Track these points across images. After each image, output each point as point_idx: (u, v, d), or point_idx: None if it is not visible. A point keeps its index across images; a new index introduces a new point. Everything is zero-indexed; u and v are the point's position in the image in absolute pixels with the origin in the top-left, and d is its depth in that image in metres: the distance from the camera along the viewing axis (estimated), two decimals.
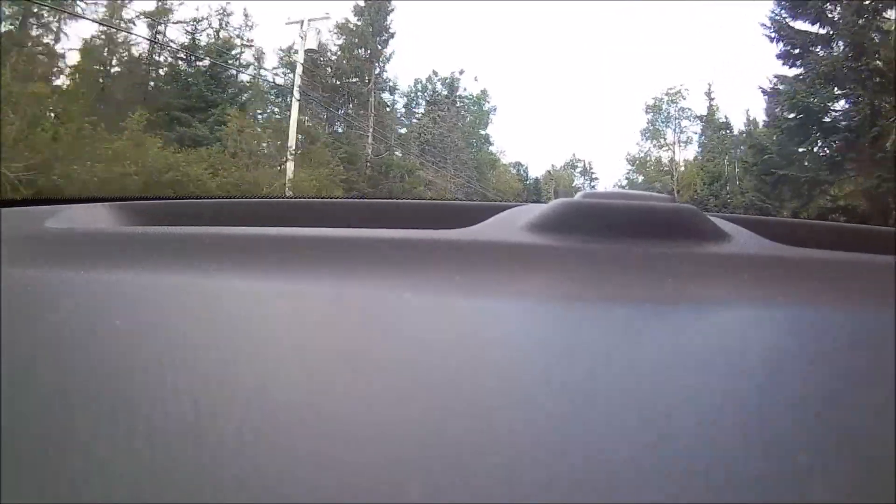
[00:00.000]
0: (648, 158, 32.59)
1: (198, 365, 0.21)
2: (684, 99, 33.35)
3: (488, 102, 27.03)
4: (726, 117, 30.59)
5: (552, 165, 37.11)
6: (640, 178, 33.79)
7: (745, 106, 33.27)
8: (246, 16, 16.40)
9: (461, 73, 25.40)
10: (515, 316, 0.29)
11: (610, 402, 0.19)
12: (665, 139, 31.02)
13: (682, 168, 31.16)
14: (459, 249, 0.35)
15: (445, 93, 24.38)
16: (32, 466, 0.15)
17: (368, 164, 15.89)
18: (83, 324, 0.26)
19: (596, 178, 36.64)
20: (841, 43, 11.27)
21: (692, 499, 0.14)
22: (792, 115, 11.82)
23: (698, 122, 31.43)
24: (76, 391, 0.19)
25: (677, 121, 32.56)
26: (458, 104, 25.02)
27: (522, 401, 0.19)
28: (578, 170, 36.93)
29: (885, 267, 0.37)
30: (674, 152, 31.54)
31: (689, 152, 31.85)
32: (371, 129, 16.42)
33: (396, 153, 18.28)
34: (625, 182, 34.84)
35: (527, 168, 35.09)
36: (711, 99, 32.34)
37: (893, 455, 0.16)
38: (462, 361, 0.22)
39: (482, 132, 27.15)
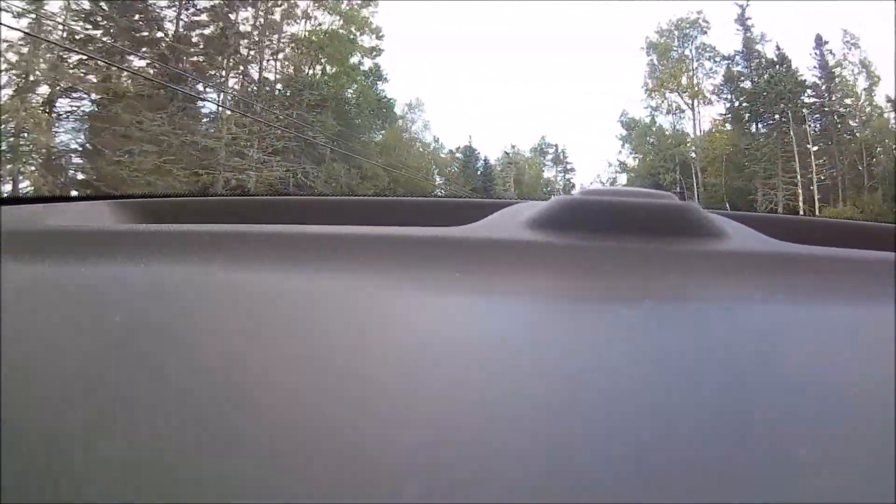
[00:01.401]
0: (654, 121, 21.31)
1: (199, 362, 0.21)
2: (704, 33, 22.31)
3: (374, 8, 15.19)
4: (779, 48, 19.39)
5: (511, 146, 25.63)
6: (638, 160, 22.46)
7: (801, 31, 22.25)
8: None
9: None
10: (516, 313, 0.29)
11: (610, 400, 0.19)
12: (680, 85, 19.55)
13: (712, 132, 19.90)
14: (460, 246, 0.36)
15: None
16: (32, 465, 0.15)
17: None
18: (84, 322, 0.26)
19: (572, 169, 25.39)
20: None
21: (691, 497, 0.14)
22: None
23: (725, 63, 20.22)
24: (76, 389, 0.19)
25: (696, 62, 21.36)
26: None
27: (523, 398, 0.19)
28: (549, 157, 25.83)
29: (885, 263, 0.37)
30: (693, 109, 20.23)
31: (718, 108, 20.69)
32: None
33: None
34: (615, 163, 23.71)
35: (473, 148, 23.64)
36: (748, 28, 21.25)
37: (893, 455, 0.16)
38: (462, 359, 0.22)
39: (364, 60, 15.43)
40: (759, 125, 18.01)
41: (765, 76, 17.99)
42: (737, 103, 18.65)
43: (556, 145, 25.97)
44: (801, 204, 15.98)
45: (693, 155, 18.95)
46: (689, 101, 19.24)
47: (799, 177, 16.00)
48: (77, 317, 0.27)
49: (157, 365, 0.21)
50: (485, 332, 0.26)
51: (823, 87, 17.59)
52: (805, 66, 17.92)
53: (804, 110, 17.05)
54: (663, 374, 0.21)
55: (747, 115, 18.18)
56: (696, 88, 18.87)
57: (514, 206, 0.44)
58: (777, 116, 17.14)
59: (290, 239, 0.37)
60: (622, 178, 22.58)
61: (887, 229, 0.54)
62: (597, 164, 39.30)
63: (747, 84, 18.55)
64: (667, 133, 20.05)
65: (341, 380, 0.20)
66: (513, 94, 31.91)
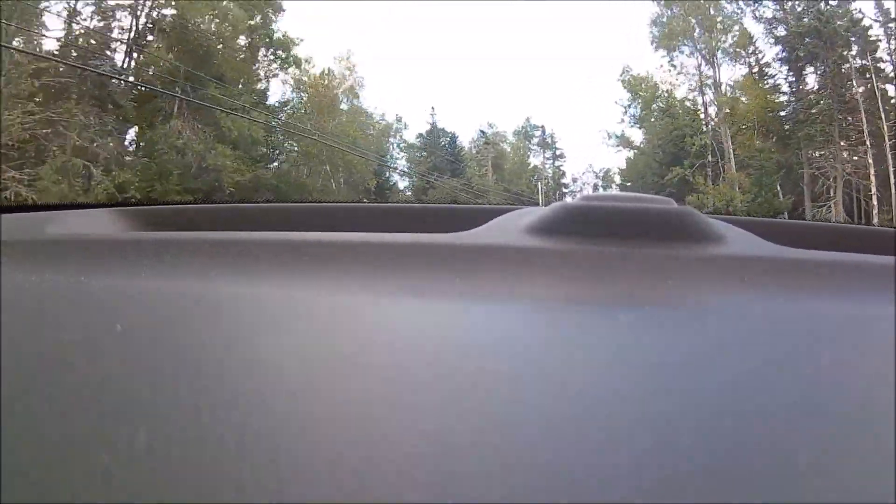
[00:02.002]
0: (672, 64, 16.81)
1: (199, 369, 0.22)
2: None
3: None
4: None
5: (489, 125, 21.09)
6: (646, 129, 18.02)
7: None
8: None
9: None
10: (516, 319, 0.30)
11: (610, 404, 0.19)
12: (706, 15, 15.00)
13: (741, 98, 15.38)
14: (460, 253, 0.36)
15: None
16: (32, 469, 0.15)
17: None
18: (83, 329, 0.26)
19: (562, 156, 21.04)
20: None
21: (692, 498, 0.14)
22: None
23: (749, 7, 15.75)
24: (76, 396, 0.19)
25: (712, 8, 16.87)
26: None
27: (523, 403, 0.19)
28: (535, 140, 21.42)
29: (883, 267, 0.37)
30: (714, 69, 15.77)
31: (741, 69, 16.24)
32: None
33: None
34: (615, 135, 19.26)
35: (438, 127, 19.29)
36: None
37: (893, 455, 0.16)
38: (462, 364, 0.23)
39: None
40: (804, 78, 13.44)
41: (807, 17, 13.39)
42: (770, 55, 14.11)
43: (543, 127, 21.67)
44: (872, 181, 11.50)
45: (713, 120, 14.43)
46: (710, 53, 14.73)
47: (868, 142, 11.50)
48: (77, 324, 0.27)
49: (156, 371, 0.21)
50: (486, 336, 0.26)
51: (881, 27, 13.02)
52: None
53: (867, 56, 12.49)
54: (663, 377, 0.22)
55: (786, 66, 13.63)
56: (721, 26, 14.34)
57: (514, 212, 0.45)
58: (831, 64, 12.59)
59: (289, 246, 0.37)
60: (621, 157, 18.18)
61: (887, 233, 0.53)
62: (591, 138, 34.95)
63: (781, 32, 14.00)
64: (689, 88, 15.54)
65: (342, 384, 0.20)
66: (490, 69, 27.55)
